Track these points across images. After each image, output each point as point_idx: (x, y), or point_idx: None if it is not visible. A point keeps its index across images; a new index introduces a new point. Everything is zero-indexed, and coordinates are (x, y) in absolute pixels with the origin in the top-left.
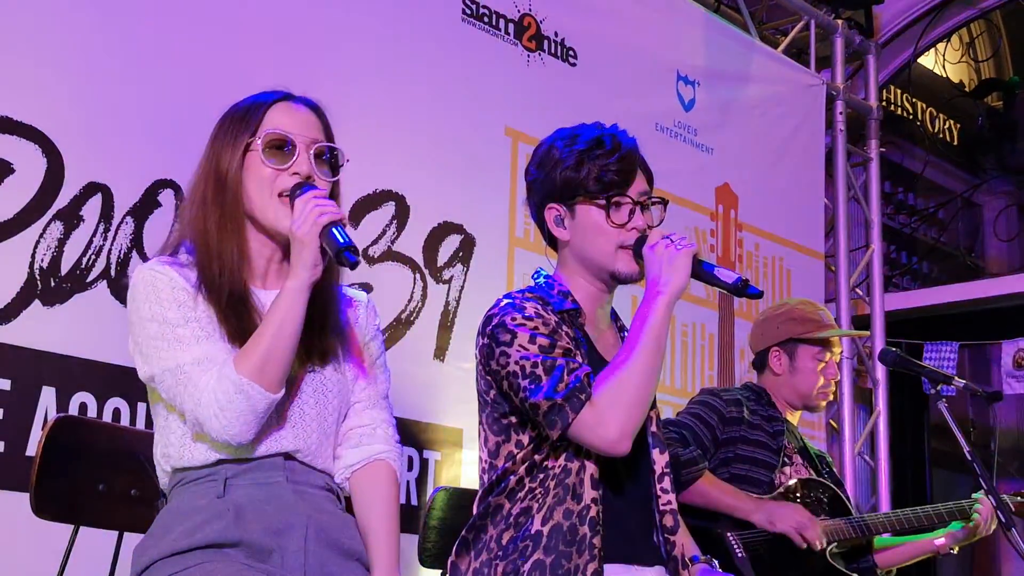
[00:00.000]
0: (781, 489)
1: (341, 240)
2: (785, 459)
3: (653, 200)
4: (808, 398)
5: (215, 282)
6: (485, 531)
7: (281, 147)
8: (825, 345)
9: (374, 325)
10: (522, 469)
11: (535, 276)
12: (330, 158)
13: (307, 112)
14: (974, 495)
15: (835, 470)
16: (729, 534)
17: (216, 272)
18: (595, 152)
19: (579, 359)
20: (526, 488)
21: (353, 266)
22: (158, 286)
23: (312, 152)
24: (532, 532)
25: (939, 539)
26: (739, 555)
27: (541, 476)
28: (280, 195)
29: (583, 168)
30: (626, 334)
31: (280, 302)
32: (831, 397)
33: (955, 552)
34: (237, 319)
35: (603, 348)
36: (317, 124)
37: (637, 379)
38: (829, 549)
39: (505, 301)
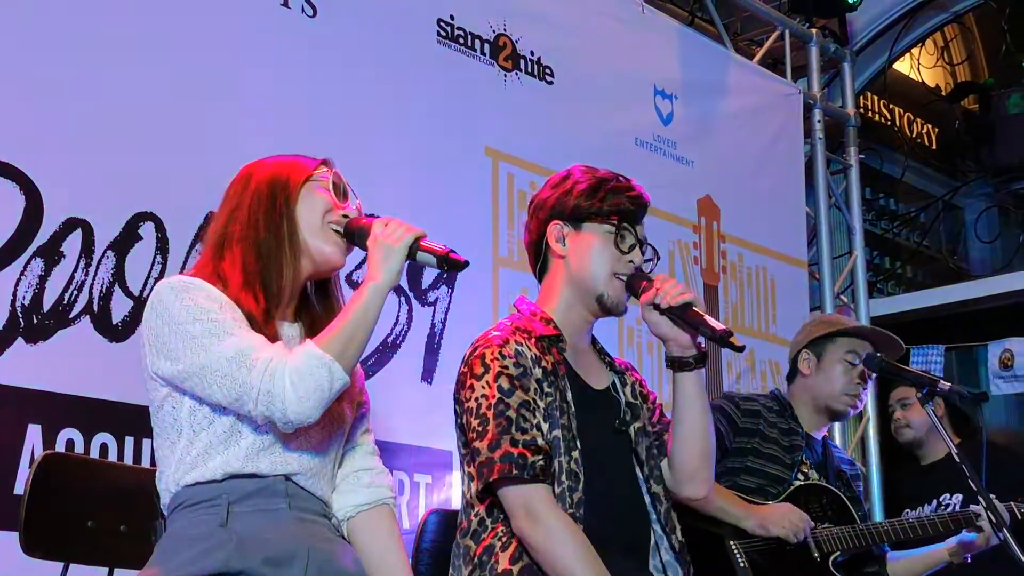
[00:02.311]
0: (785, 494)
1: (440, 248)
2: (800, 475)
3: (649, 253)
4: (833, 399)
5: (264, 293)
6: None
7: (338, 192)
8: (852, 346)
9: (361, 386)
10: (482, 508)
11: (517, 304)
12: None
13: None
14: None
15: (857, 485)
16: (732, 542)
17: (270, 289)
18: (613, 184)
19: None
20: (488, 528)
21: (463, 265)
22: (191, 291)
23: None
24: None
25: (950, 548)
26: (740, 564)
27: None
28: (329, 224)
29: (600, 193)
30: (607, 358)
31: (361, 296)
32: (859, 406)
33: (968, 561)
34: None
35: (583, 371)
36: None
37: None
38: (832, 558)
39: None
